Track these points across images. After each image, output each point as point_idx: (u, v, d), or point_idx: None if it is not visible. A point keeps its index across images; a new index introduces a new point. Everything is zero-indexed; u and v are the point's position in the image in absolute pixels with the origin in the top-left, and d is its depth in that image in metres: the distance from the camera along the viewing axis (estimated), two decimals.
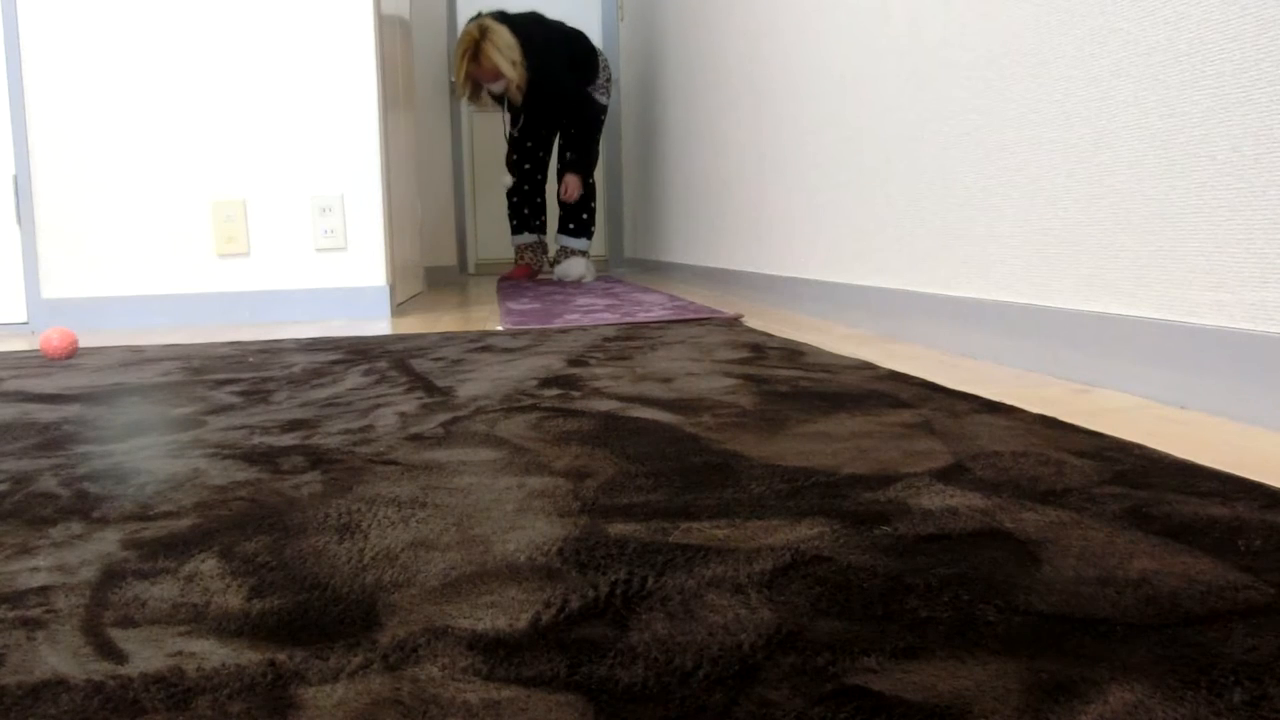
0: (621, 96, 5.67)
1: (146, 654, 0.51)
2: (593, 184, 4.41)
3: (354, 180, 2.63)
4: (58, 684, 0.48)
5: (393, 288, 2.71)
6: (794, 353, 1.63)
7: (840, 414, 1.10)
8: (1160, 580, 0.58)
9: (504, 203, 5.92)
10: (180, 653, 0.51)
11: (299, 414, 1.20)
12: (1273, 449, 0.91)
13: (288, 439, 1.05)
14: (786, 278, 2.54)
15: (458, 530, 0.71)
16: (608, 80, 4.38)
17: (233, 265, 2.62)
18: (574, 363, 1.58)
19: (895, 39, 1.85)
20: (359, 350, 1.84)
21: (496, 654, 0.50)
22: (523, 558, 0.65)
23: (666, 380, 1.37)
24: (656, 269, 4.57)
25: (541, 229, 4.60)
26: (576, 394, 1.28)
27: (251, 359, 1.76)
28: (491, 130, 5.93)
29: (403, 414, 1.17)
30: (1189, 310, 1.12)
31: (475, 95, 4.15)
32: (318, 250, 2.64)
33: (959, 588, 0.57)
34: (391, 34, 2.98)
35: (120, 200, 2.57)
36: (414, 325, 2.40)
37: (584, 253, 4.44)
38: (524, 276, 4.57)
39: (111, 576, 0.63)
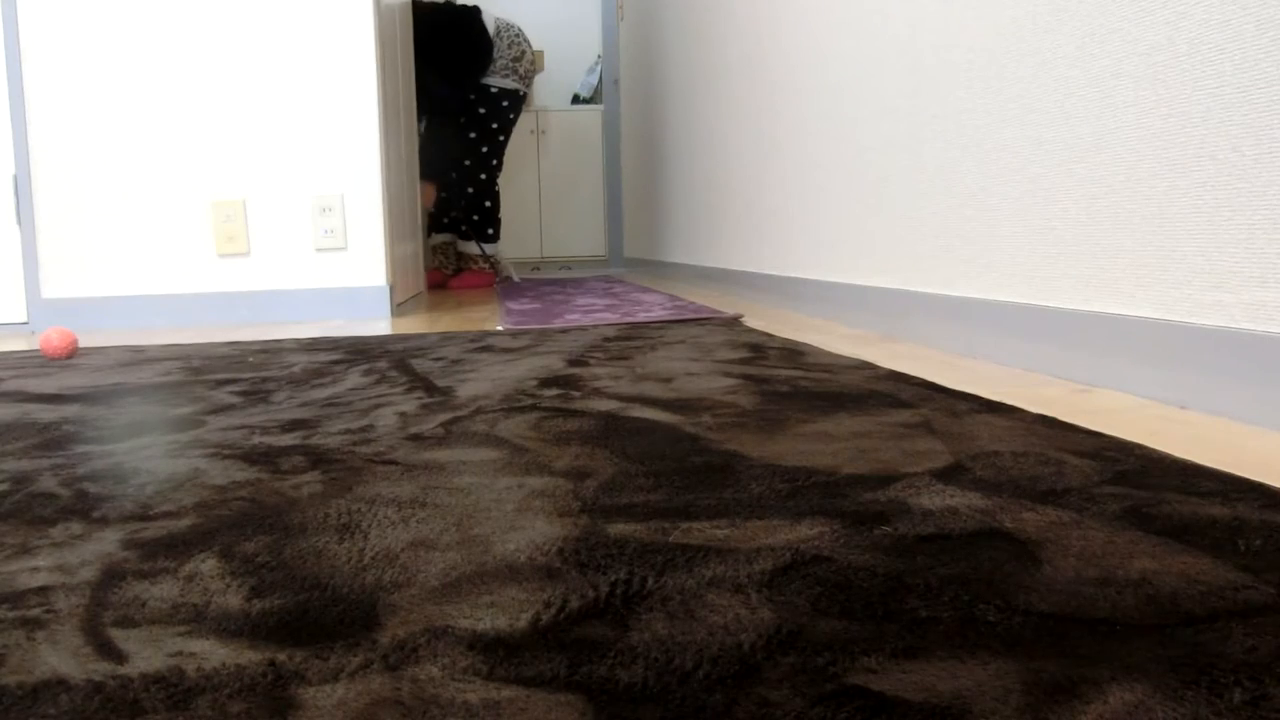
0: (622, 96, 5.67)
1: (146, 654, 0.51)
2: (484, 179, 4.01)
3: (354, 180, 2.63)
4: (58, 684, 0.48)
5: (393, 288, 2.71)
6: (794, 353, 1.63)
7: (840, 414, 1.10)
8: (1160, 580, 0.58)
9: (507, 201, 5.91)
10: (180, 653, 0.51)
11: (299, 414, 1.20)
12: (1273, 449, 0.91)
13: (288, 439, 1.05)
14: (786, 278, 2.54)
15: (458, 530, 0.71)
16: (515, 59, 3.95)
17: (233, 265, 2.62)
18: (574, 363, 1.58)
19: (895, 39, 1.85)
20: (359, 350, 1.84)
21: (496, 654, 0.50)
22: (523, 558, 0.65)
23: (666, 380, 1.37)
24: (656, 269, 4.57)
25: (454, 227, 4.13)
26: (576, 394, 1.28)
27: (251, 359, 1.76)
28: None
29: (403, 414, 1.17)
30: (1189, 310, 1.12)
31: None
32: (318, 250, 2.64)
33: (959, 588, 0.57)
34: (391, 33, 2.98)
35: (120, 200, 2.57)
36: (414, 325, 2.40)
37: (481, 256, 4.08)
38: (436, 284, 4.09)
39: (111, 576, 0.63)
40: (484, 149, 4.01)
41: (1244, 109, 1.03)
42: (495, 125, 4.01)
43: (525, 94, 4.11)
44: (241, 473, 0.90)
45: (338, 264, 2.65)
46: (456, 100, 3.88)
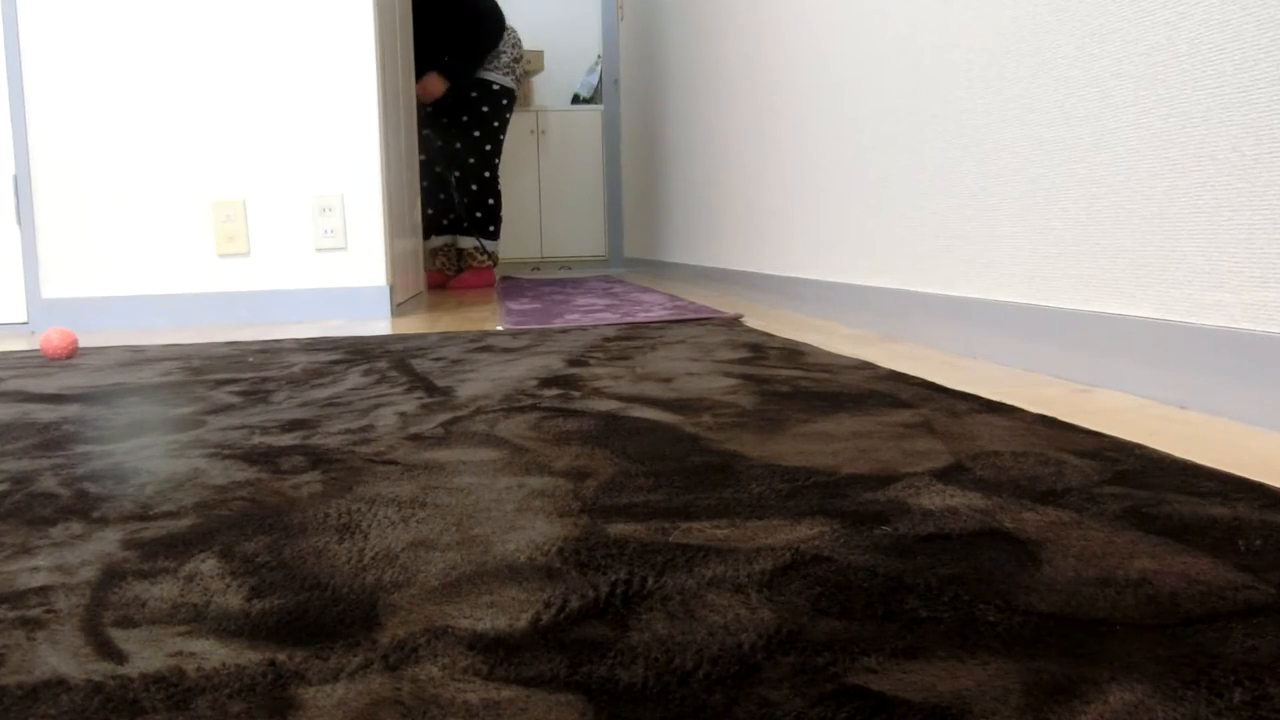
0: (622, 96, 5.67)
1: (146, 654, 0.51)
2: (488, 177, 4.03)
3: (354, 180, 2.63)
4: (58, 684, 0.48)
5: (393, 288, 2.71)
6: (794, 353, 1.63)
7: (840, 414, 1.10)
8: (1160, 580, 0.58)
9: (507, 202, 5.91)
10: (180, 653, 0.51)
11: (299, 414, 1.20)
12: (1273, 449, 0.91)
13: (288, 439, 1.05)
14: (787, 278, 2.54)
15: (458, 530, 0.71)
16: (515, 59, 4.01)
17: (233, 265, 2.62)
18: (574, 363, 1.58)
19: (895, 39, 1.85)
20: (359, 350, 1.84)
21: (496, 654, 0.50)
22: (523, 558, 0.65)
23: (666, 380, 1.37)
24: (656, 269, 4.57)
25: (455, 228, 4.13)
26: (576, 394, 1.28)
27: (251, 359, 1.76)
28: None
29: (403, 414, 1.17)
30: (1189, 310, 1.12)
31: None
32: (318, 250, 2.64)
33: (959, 588, 0.57)
34: (391, 32, 2.98)
35: (120, 200, 2.57)
36: (414, 325, 2.40)
37: (480, 250, 4.07)
38: (436, 285, 4.13)
39: (111, 576, 0.63)
40: (487, 146, 4.05)
41: (1244, 109, 1.03)
42: (497, 123, 4.04)
43: (516, 95, 4.17)
44: (241, 473, 0.90)
45: (338, 264, 2.65)
46: (466, 75, 3.87)
